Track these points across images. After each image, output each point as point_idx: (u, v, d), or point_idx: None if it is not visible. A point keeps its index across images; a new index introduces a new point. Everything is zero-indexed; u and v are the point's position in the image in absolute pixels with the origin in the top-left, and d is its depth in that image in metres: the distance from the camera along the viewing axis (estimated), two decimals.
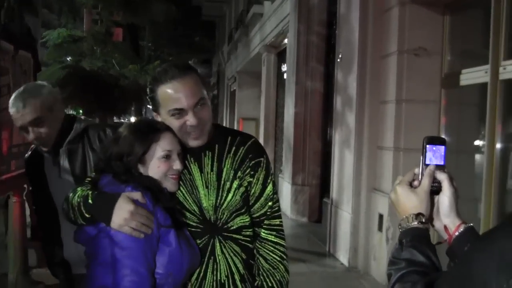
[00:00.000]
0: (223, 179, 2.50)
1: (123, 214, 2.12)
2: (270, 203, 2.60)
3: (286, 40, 13.01)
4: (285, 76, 13.50)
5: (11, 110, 3.09)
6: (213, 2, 27.66)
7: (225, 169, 2.51)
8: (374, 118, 7.29)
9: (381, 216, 6.88)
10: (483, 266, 1.16)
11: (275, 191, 2.64)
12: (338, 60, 8.46)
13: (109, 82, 12.14)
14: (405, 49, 6.68)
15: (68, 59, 13.14)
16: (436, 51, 6.62)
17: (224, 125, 21.72)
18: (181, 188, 2.46)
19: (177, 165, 2.34)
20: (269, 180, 2.60)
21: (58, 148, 3.23)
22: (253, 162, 2.54)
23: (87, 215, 2.25)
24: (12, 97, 3.12)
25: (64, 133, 3.22)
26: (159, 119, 2.44)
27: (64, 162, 3.23)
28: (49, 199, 3.25)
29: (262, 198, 2.58)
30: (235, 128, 20.63)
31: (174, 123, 2.37)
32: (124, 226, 2.12)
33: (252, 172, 2.54)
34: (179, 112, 2.34)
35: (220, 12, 28.82)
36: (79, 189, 2.36)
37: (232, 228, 2.54)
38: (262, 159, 2.58)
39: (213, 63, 36.36)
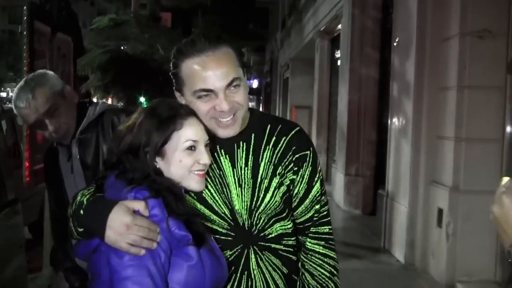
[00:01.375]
0: (260, 176, 2.06)
1: (117, 228, 1.74)
2: (317, 206, 2.15)
3: (340, 26, 12.60)
4: (338, 63, 13.07)
5: (19, 106, 2.71)
6: None
7: (262, 164, 2.07)
8: (434, 106, 6.80)
9: (440, 211, 6.41)
10: None
11: (323, 192, 2.18)
12: (395, 44, 8.01)
13: (152, 67, 11.83)
14: (468, 31, 6.18)
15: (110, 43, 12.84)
16: (502, 33, 6.11)
17: (277, 113, 21.55)
18: (209, 187, 2.04)
19: (204, 158, 1.90)
20: (316, 178, 2.14)
21: (72, 139, 2.88)
22: (297, 155, 2.09)
23: (79, 229, 1.87)
24: (15, 92, 2.75)
25: (78, 122, 2.87)
26: (182, 101, 2.01)
27: (75, 155, 2.87)
28: (63, 198, 2.90)
29: (307, 200, 2.13)
30: (288, 117, 20.29)
31: (200, 107, 1.94)
32: (120, 242, 1.73)
33: (295, 168, 2.09)
34: (207, 94, 1.92)
35: None
36: (79, 193, 1.97)
37: (270, 236, 2.10)
38: (308, 152, 2.12)
39: (266, 50, 35.99)
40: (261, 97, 40.33)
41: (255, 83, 39.02)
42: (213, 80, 1.90)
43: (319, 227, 2.17)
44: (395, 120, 7.93)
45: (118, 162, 1.92)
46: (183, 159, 1.89)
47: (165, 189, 1.85)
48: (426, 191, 6.89)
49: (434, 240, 6.62)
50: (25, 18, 4.52)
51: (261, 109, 39.16)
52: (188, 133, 1.89)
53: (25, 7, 4.52)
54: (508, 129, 6.02)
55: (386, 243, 8.01)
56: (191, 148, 1.90)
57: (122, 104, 12.40)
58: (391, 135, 8.07)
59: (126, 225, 1.73)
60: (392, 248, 7.73)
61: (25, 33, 4.53)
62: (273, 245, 2.11)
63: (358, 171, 10.90)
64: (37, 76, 2.82)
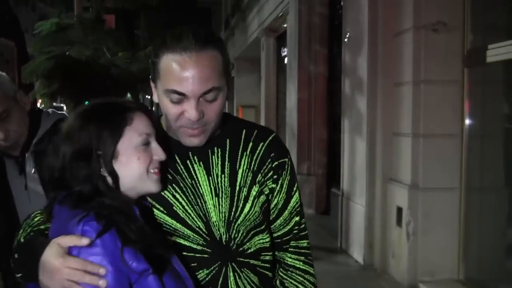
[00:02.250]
0: (238, 184, 1.86)
1: (47, 273, 1.48)
2: (296, 218, 1.98)
3: (286, 24, 12.42)
4: (285, 60, 12.89)
5: None
6: None
7: (240, 171, 1.87)
8: (389, 102, 6.63)
9: (399, 210, 6.24)
10: None
11: (301, 202, 2.01)
12: (345, 40, 7.83)
13: (99, 71, 11.42)
14: (421, 25, 6.03)
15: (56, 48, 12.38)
16: (457, 25, 5.98)
17: None
18: (180, 199, 1.81)
19: (160, 153, 1.68)
20: (295, 188, 1.98)
21: (24, 151, 2.54)
22: (275, 163, 1.93)
23: (16, 275, 1.61)
24: None
25: (31, 131, 2.53)
26: (155, 93, 1.78)
27: (30, 169, 2.53)
28: (12, 218, 2.53)
29: (286, 212, 1.96)
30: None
31: (170, 110, 1.72)
32: None
33: (275, 176, 1.92)
34: (179, 98, 1.69)
35: None
36: (23, 225, 1.70)
37: (249, 251, 1.88)
38: (286, 159, 1.97)
39: None
40: None
41: None
42: (189, 84, 1.67)
43: (299, 241, 2.01)
44: (348, 117, 7.76)
45: (61, 178, 1.63)
46: (141, 156, 1.65)
47: (116, 212, 1.57)
48: (384, 190, 6.71)
49: (394, 239, 6.46)
50: None
51: None
52: (140, 126, 1.67)
53: None
54: (466, 123, 5.91)
55: (343, 243, 7.83)
56: (146, 143, 1.67)
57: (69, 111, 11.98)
58: (345, 132, 7.89)
59: (57, 270, 1.47)
60: (350, 249, 7.55)
61: None
62: (251, 261, 1.89)
63: (310, 170, 10.70)
64: None
